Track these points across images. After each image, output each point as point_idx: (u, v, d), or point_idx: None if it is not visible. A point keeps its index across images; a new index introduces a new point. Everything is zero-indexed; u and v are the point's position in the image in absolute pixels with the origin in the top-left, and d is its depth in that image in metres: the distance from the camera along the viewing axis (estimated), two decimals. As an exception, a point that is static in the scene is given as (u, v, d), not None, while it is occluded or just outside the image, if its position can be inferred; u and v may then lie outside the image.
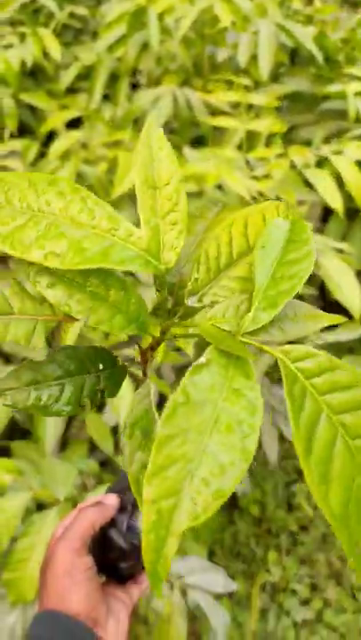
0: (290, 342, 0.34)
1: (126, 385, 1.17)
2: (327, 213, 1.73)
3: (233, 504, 1.54)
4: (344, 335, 1.20)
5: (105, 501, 0.52)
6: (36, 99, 1.78)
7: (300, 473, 1.66)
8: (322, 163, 1.11)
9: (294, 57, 1.97)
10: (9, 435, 1.37)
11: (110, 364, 0.41)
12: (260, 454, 1.61)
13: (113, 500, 0.52)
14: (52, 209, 0.36)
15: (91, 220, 0.36)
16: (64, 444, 1.38)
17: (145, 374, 0.43)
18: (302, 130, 1.81)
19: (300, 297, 0.37)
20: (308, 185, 1.31)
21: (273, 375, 1.76)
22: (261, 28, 1.57)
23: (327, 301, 1.84)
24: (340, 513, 0.27)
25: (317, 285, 1.69)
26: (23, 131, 1.81)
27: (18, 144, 1.50)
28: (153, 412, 0.36)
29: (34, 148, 1.48)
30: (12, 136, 1.76)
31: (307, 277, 0.35)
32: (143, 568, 0.54)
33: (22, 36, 1.97)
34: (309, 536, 1.52)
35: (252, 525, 1.52)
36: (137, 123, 1.73)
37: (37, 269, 0.36)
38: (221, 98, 1.56)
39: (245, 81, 1.62)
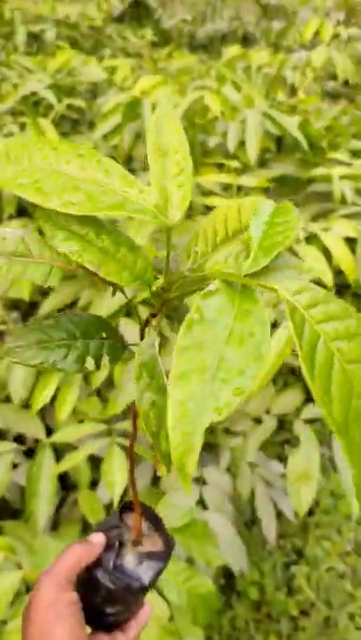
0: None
1: (120, 462, 1.16)
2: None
3: (231, 587, 1.48)
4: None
5: (92, 539, 0.51)
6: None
7: (299, 553, 1.60)
8: (310, 239, 1.16)
9: (280, 144, 2.08)
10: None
11: (112, 334, 0.45)
12: (258, 533, 1.56)
13: (99, 538, 0.51)
14: (71, 168, 0.40)
15: (106, 179, 0.40)
16: (55, 524, 1.34)
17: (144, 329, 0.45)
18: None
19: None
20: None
21: (269, 450, 1.74)
22: (249, 117, 1.67)
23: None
24: (341, 422, 0.30)
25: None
26: (22, 213, 1.87)
27: (16, 224, 1.55)
28: (157, 358, 0.40)
29: (32, 228, 1.53)
30: (10, 217, 1.83)
31: (294, 233, 0.39)
32: (129, 616, 0.51)
33: (22, 126, 2.09)
34: (311, 621, 1.45)
35: (251, 610, 1.45)
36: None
37: (53, 224, 0.40)
38: (213, 179, 1.64)
39: (235, 164, 1.71)
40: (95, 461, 1.33)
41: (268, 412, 1.24)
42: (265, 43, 4.26)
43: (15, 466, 1.39)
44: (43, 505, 1.19)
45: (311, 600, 1.48)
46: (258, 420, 1.28)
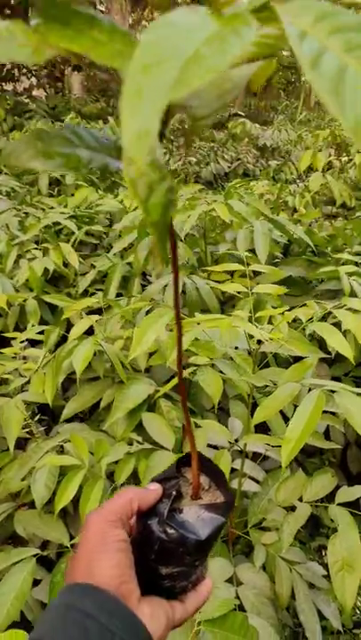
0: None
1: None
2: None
3: None
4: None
5: (148, 487, 0.48)
6: (57, 298, 1.95)
7: (350, 674, 1.43)
8: (325, 318, 1.19)
9: (286, 251, 2.20)
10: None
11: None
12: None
13: (156, 486, 0.48)
14: None
15: None
16: None
17: None
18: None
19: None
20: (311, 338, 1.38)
21: (306, 548, 1.63)
22: (257, 225, 1.79)
23: (350, 473, 1.78)
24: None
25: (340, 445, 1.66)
26: (42, 324, 1.95)
27: (39, 328, 1.61)
28: None
29: (55, 333, 1.59)
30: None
31: None
32: (187, 585, 0.47)
33: (45, 251, 2.24)
34: None
35: None
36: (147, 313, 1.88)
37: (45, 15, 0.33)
38: (232, 288, 1.71)
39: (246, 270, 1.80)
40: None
41: (300, 499, 1.18)
42: (265, 178, 4.64)
43: (37, 582, 1.31)
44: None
45: None
46: (291, 510, 1.21)
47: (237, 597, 1.11)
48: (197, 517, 0.47)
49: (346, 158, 3.94)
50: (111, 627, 0.36)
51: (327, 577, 1.20)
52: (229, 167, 4.65)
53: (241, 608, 1.13)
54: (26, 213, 2.69)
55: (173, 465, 0.52)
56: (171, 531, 0.45)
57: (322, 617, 1.26)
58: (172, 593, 0.47)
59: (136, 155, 0.22)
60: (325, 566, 1.22)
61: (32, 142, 0.37)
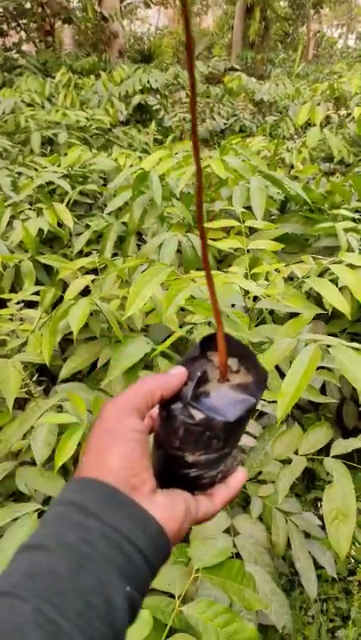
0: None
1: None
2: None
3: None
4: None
5: (171, 371, 0.43)
6: (52, 259, 1.93)
7: (345, 618, 1.49)
8: (322, 275, 1.18)
9: (283, 209, 2.18)
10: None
11: None
12: (297, 597, 1.46)
13: (180, 370, 0.43)
14: None
15: None
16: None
17: None
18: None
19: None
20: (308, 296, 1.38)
21: (302, 500, 1.67)
22: (253, 182, 1.76)
23: (346, 428, 1.81)
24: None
25: (338, 397, 1.67)
26: (38, 285, 1.94)
27: (35, 289, 1.60)
28: None
29: (51, 293, 1.58)
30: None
31: None
32: (216, 477, 0.43)
33: (39, 211, 2.21)
34: None
35: None
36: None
37: None
38: (228, 245, 1.70)
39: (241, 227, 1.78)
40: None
41: (296, 452, 1.20)
42: (261, 135, 4.55)
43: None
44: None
45: (364, 670, 1.35)
46: (287, 462, 1.24)
47: (235, 547, 1.14)
48: (225, 398, 0.43)
49: (345, 112, 3.85)
50: (115, 524, 0.34)
51: (322, 527, 1.23)
52: (225, 124, 4.56)
53: (238, 557, 1.16)
54: (19, 173, 2.65)
55: (197, 345, 0.47)
56: (196, 412, 0.41)
57: (317, 566, 1.30)
58: (200, 485, 0.43)
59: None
60: (321, 518, 1.25)
61: None
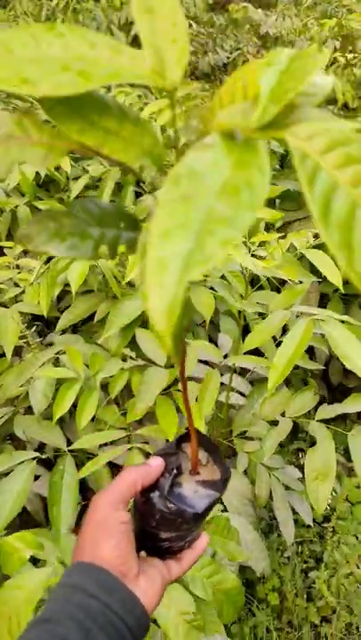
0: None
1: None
2: (322, 298, 1.82)
3: (252, 595, 1.48)
4: (352, 408, 1.23)
5: (150, 462, 0.52)
6: (49, 204, 1.92)
7: (318, 560, 1.61)
8: (319, 247, 1.20)
9: (283, 163, 2.16)
10: (22, 527, 1.36)
11: (132, 225, 0.41)
12: (275, 540, 1.57)
13: (158, 461, 0.52)
14: (54, 50, 0.35)
15: (93, 52, 0.36)
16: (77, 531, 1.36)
17: None
18: (295, 225, 1.95)
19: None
20: (306, 266, 1.41)
21: (285, 451, 1.76)
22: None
23: (331, 384, 1.88)
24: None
25: (323, 362, 1.73)
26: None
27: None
28: None
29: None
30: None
31: (315, 72, 0.32)
32: (184, 545, 0.53)
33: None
34: (333, 628, 1.45)
35: (273, 618, 1.46)
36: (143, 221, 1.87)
37: (50, 104, 0.35)
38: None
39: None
40: (115, 469, 1.36)
41: (283, 414, 1.27)
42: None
43: (37, 478, 1.42)
44: (65, 512, 1.22)
45: (332, 606, 1.48)
46: (274, 423, 1.30)
47: (221, 500, 1.23)
48: (195, 493, 0.52)
49: (351, 55, 3.71)
50: (111, 604, 0.42)
51: (302, 479, 1.31)
52: (228, 58, 4.38)
53: (225, 509, 1.25)
54: (15, 107, 2.57)
55: (174, 441, 0.56)
56: (170, 505, 0.50)
57: (295, 513, 1.40)
58: (170, 552, 0.53)
59: (164, 328, 0.24)
60: (301, 468, 1.33)
61: (44, 224, 0.38)
